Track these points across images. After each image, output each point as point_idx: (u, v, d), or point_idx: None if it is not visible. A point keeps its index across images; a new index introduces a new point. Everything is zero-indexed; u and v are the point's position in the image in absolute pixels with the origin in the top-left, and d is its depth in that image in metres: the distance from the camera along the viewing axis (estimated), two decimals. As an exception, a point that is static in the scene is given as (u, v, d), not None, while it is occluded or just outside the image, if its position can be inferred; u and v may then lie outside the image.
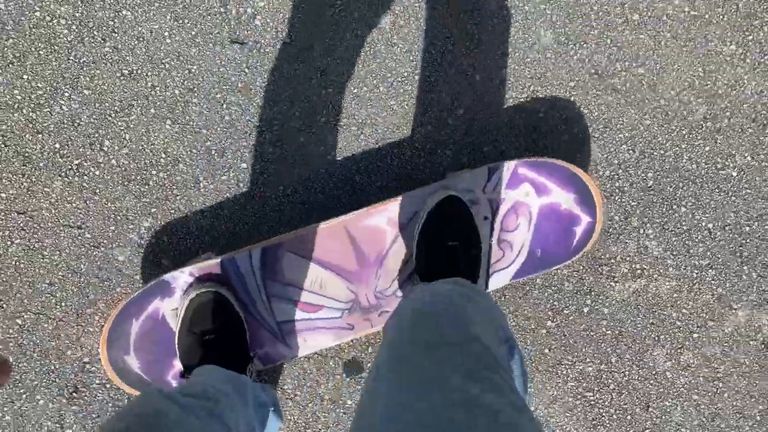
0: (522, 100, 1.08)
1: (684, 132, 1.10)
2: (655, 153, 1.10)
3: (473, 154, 1.08)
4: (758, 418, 1.15)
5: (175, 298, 0.98)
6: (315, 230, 1.00)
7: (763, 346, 1.14)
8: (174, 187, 1.06)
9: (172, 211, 1.06)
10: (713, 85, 1.09)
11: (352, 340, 1.10)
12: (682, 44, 1.08)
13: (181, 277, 0.98)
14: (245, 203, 1.07)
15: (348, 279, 1.02)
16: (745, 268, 1.12)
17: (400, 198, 0.99)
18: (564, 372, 1.13)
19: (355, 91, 1.07)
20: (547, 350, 1.13)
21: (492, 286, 1.05)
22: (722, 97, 1.09)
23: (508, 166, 1.00)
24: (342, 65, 1.06)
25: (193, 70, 1.05)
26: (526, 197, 1.01)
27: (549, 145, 1.09)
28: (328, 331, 1.04)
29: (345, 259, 1.01)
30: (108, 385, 1.08)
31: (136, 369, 1.01)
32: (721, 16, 1.08)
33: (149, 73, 1.05)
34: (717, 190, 1.11)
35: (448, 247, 0.92)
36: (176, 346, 0.95)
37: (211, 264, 0.98)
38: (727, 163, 1.10)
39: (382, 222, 1.00)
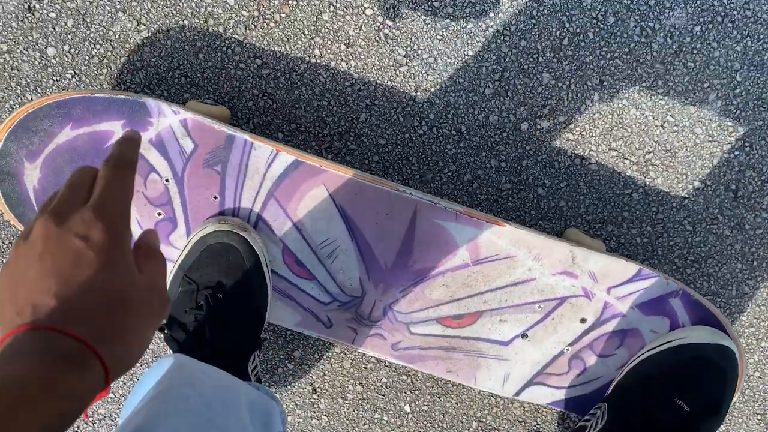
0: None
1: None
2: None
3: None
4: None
5: (147, 133, 0.66)
6: (372, 184, 0.67)
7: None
8: None
9: None
10: None
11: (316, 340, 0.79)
12: None
13: (168, 119, 0.65)
14: None
15: (368, 266, 0.70)
16: None
17: (506, 226, 0.68)
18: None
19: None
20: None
21: (525, 397, 0.76)
22: None
23: (661, 285, 0.70)
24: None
25: None
26: (649, 333, 0.72)
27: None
28: (298, 307, 0.72)
29: (384, 243, 0.69)
30: None
31: (28, 183, 0.68)
32: None
33: None
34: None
35: (676, 406, 0.66)
36: (167, 285, 0.66)
37: (213, 127, 0.65)
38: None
39: (459, 237, 0.68)
